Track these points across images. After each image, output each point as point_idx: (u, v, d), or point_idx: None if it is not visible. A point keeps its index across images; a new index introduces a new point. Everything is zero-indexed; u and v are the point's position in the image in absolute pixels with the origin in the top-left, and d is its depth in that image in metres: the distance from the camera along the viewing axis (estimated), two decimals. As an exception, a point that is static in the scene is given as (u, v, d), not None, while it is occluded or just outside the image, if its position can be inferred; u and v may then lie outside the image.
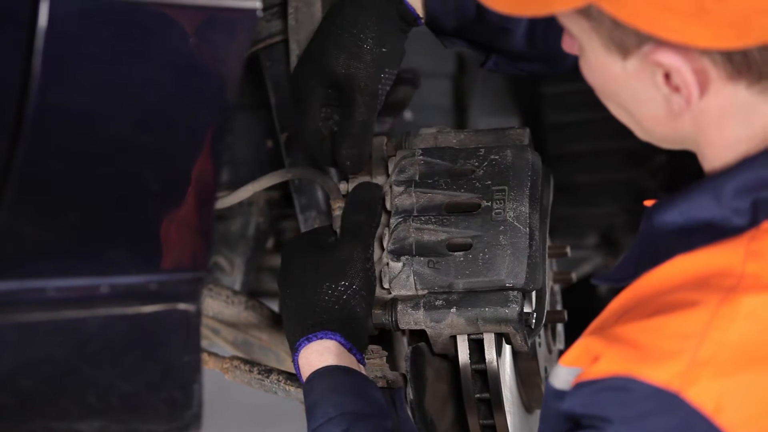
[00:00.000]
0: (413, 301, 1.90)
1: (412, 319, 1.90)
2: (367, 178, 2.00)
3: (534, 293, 1.95)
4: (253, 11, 1.62)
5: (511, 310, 1.87)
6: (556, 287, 2.25)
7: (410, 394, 1.93)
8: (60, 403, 1.70)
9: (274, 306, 2.35)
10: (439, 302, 1.89)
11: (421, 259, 1.89)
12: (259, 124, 2.58)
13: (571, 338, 2.08)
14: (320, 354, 1.83)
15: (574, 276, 2.23)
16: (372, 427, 1.75)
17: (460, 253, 1.89)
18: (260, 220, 2.77)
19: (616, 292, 1.55)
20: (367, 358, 1.91)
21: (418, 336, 1.95)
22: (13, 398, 1.68)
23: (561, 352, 2.23)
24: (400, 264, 1.90)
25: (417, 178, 1.95)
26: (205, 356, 2.05)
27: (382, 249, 1.92)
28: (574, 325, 1.98)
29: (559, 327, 2.27)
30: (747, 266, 1.44)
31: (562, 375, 1.52)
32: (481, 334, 1.90)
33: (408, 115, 2.91)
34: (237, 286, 2.74)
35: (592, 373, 1.46)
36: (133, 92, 1.61)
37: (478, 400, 1.94)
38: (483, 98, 2.97)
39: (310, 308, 1.85)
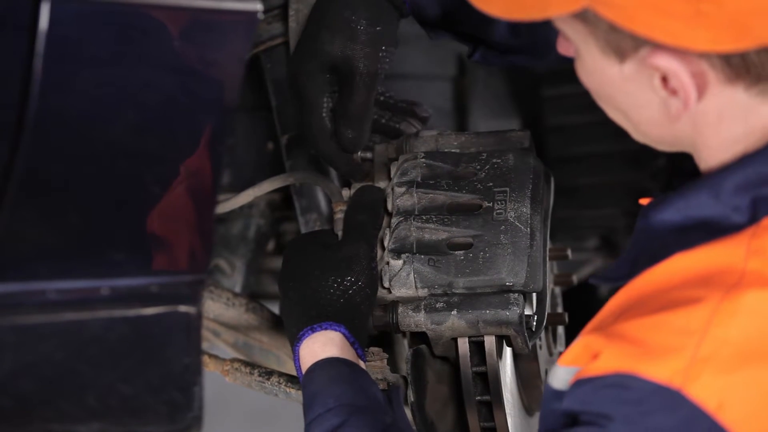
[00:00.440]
0: (414, 303, 1.90)
1: (412, 321, 1.90)
2: (369, 183, 2.01)
3: (535, 295, 1.95)
4: (253, 13, 1.62)
5: (512, 313, 1.87)
6: (557, 289, 2.25)
7: (411, 396, 1.93)
8: (60, 406, 1.70)
9: (275, 308, 2.35)
10: (439, 304, 1.89)
11: (422, 257, 1.89)
12: (259, 126, 2.58)
13: (571, 340, 2.08)
14: (324, 345, 1.83)
15: (574, 278, 2.23)
16: (370, 420, 1.75)
17: (461, 251, 1.89)
18: (261, 223, 2.77)
19: (617, 290, 1.55)
20: (368, 360, 1.91)
21: (418, 338, 1.95)
22: (13, 401, 1.68)
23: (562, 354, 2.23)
24: (400, 262, 1.90)
25: (419, 179, 1.95)
26: (205, 358, 2.05)
27: (383, 249, 1.93)
28: (575, 328, 1.97)
29: (560, 329, 2.26)
30: (749, 263, 1.44)
31: (561, 375, 1.52)
32: (482, 336, 1.90)
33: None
34: (237, 288, 2.74)
35: (592, 370, 1.45)
36: (134, 95, 1.61)
37: (478, 402, 1.94)
38: (483, 101, 2.97)
39: (315, 300, 1.85)
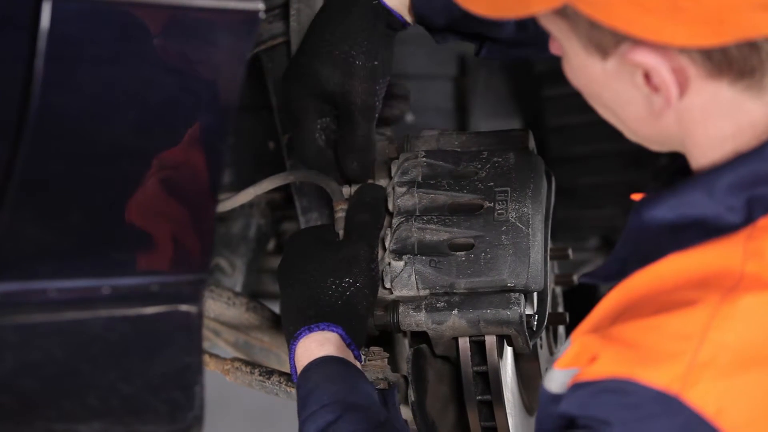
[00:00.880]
0: (415, 302, 1.90)
1: (413, 320, 1.90)
2: (370, 181, 2.01)
3: (536, 295, 1.95)
4: (255, 13, 1.62)
5: (513, 312, 1.87)
6: (558, 289, 2.25)
7: (412, 395, 1.93)
8: (61, 405, 1.70)
9: (276, 308, 2.35)
10: (440, 304, 1.89)
11: (423, 258, 1.89)
12: (260, 126, 2.58)
13: (572, 340, 2.07)
14: (320, 344, 1.83)
15: (575, 278, 2.23)
16: (364, 417, 1.75)
17: (462, 252, 1.89)
18: (261, 222, 2.77)
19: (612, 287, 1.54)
20: (369, 360, 1.91)
21: (419, 338, 1.95)
22: (15, 400, 1.68)
23: (562, 354, 2.23)
24: (401, 263, 1.90)
25: (420, 179, 1.95)
26: (206, 357, 2.05)
27: (384, 249, 1.93)
28: (576, 327, 1.97)
29: (561, 329, 2.27)
30: (747, 266, 1.42)
31: (558, 378, 1.50)
32: (483, 336, 1.90)
33: (409, 117, 2.91)
34: (238, 288, 2.74)
35: (589, 374, 1.44)
36: (134, 94, 1.61)
37: (479, 401, 1.94)
38: (484, 100, 2.97)
39: (314, 300, 1.85)
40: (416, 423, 1.93)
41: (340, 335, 1.84)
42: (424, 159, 1.97)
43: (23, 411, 1.69)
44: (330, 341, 1.83)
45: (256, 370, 2.03)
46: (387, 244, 1.92)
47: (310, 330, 1.83)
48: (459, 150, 2.00)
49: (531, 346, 1.94)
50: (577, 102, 1.97)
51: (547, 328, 2.12)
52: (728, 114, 1.47)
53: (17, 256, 1.62)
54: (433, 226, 1.91)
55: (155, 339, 1.73)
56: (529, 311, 1.92)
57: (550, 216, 1.98)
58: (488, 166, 1.95)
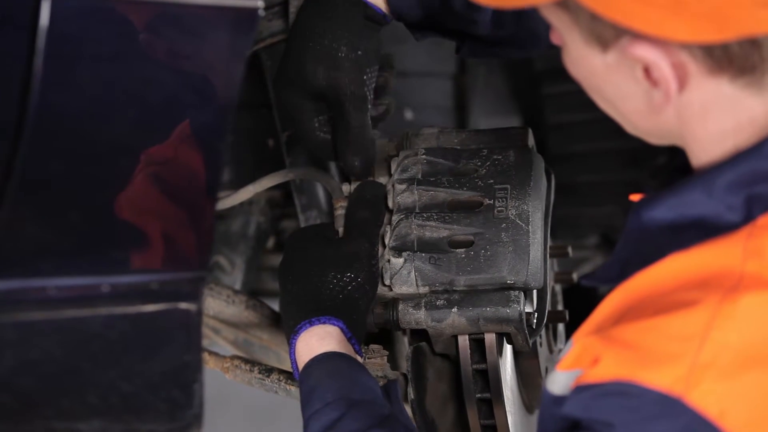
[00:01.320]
0: (414, 300, 1.90)
1: (413, 318, 1.90)
2: (369, 179, 2.01)
3: (535, 293, 1.95)
4: (254, 10, 1.62)
5: (513, 310, 1.87)
6: (558, 287, 2.25)
7: (411, 393, 1.93)
8: (60, 403, 1.70)
9: (275, 305, 2.35)
10: (440, 302, 1.89)
11: (423, 255, 1.89)
12: (260, 123, 2.58)
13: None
14: (321, 338, 1.82)
15: (575, 276, 2.23)
16: (368, 413, 1.75)
17: (462, 249, 1.89)
18: (261, 220, 2.77)
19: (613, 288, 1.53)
20: (368, 358, 1.91)
21: (419, 336, 1.95)
22: (14, 398, 1.67)
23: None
24: (401, 260, 1.90)
25: (419, 176, 1.95)
26: (205, 355, 2.05)
27: (384, 246, 1.93)
28: (575, 325, 1.97)
29: (560, 327, 2.27)
30: (747, 265, 1.41)
31: (561, 380, 1.49)
32: (483, 333, 1.90)
33: (408, 114, 2.91)
34: (237, 286, 2.74)
35: (592, 377, 1.43)
36: (134, 92, 1.61)
37: (479, 400, 1.94)
38: (484, 98, 2.97)
39: (315, 294, 1.86)
40: (415, 421, 1.93)
41: (341, 329, 1.84)
42: (423, 156, 1.97)
43: (23, 409, 1.68)
44: (331, 335, 1.83)
45: (256, 368, 2.03)
46: (387, 241, 1.92)
47: (311, 324, 1.83)
48: (459, 147, 1.99)
49: (531, 344, 1.94)
50: (576, 100, 1.97)
51: (546, 326, 2.12)
52: (728, 110, 1.46)
53: (17, 254, 1.62)
54: (432, 223, 1.91)
55: (155, 337, 1.73)
56: (528, 309, 1.91)
57: (550, 213, 1.98)
58: (488, 163, 1.95)
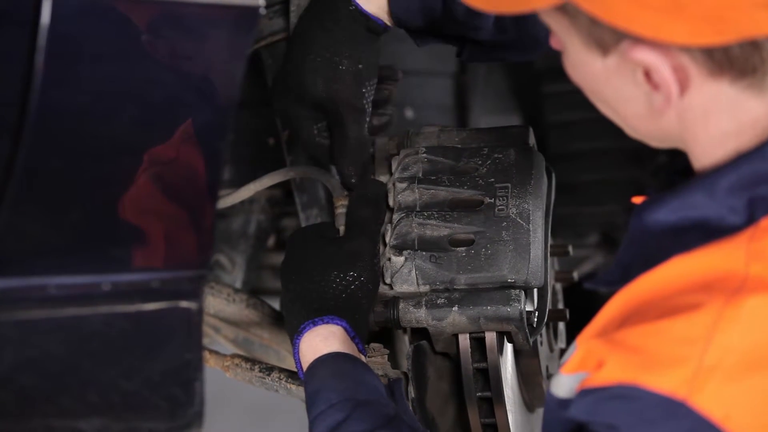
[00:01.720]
0: (415, 299, 1.90)
1: (413, 317, 1.90)
2: (370, 177, 2.01)
3: (536, 291, 1.95)
4: (255, 9, 1.62)
5: (513, 309, 1.87)
6: (558, 286, 2.25)
7: (412, 392, 1.93)
8: (61, 401, 1.70)
9: (275, 304, 2.35)
10: (441, 300, 1.89)
11: (424, 254, 1.89)
12: (260, 122, 2.58)
13: (572, 337, 2.07)
14: (325, 338, 1.83)
15: (575, 275, 2.23)
16: (373, 413, 1.75)
17: (463, 248, 1.89)
18: (261, 218, 2.77)
19: (616, 291, 1.53)
20: (369, 356, 1.91)
21: (419, 334, 1.95)
22: (14, 396, 1.67)
23: (563, 351, 2.23)
24: (402, 258, 1.90)
25: (420, 175, 1.95)
26: (206, 354, 2.05)
27: (385, 245, 1.93)
28: (576, 324, 1.98)
29: (561, 326, 2.27)
30: (750, 268, 1.41)
31: (566, 383, 1.49)
32: (483, 332, 1.90)
33: (409, 113, 2.91)
34: (238, 284, 2.74)
35: (597, 380, 1.43)
36: (135, 91, 1.61)
37: (479, 398, 1.94)
38: (484, 97, 2.97)
39: (317, 293, 1.86)
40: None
41: (345, 328, 1.84)
42: (424, 155, 1.97)
43: (23, 407, 1.68)
44: (334, 335, 1.83)
45: (256, 367, 2.03)
46: (387, 240, 1.92)
47: (315, 324, 1.83)
48: (459, 146, 2.00)
49: (531, 343, 1.94)
50: (577, 99, 1.97)
51: (547, 324, 2.12)
52: (729, 113, 1.46)
53: (17, 253, 1.61)
54: (433, 222, 1.91)
55: (155, 335, 1.73)
56: (529, 308, 1.92)
57: (551, 212, 1.98)
58: (489, 162, 1.95)
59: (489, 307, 1.87)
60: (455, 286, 1.89)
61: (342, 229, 1.96)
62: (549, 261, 1.96)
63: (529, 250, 1.87)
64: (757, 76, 1.43)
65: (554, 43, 1.54)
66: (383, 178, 2.00)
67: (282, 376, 2.01)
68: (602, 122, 1.89)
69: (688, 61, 1.42)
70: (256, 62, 2.29)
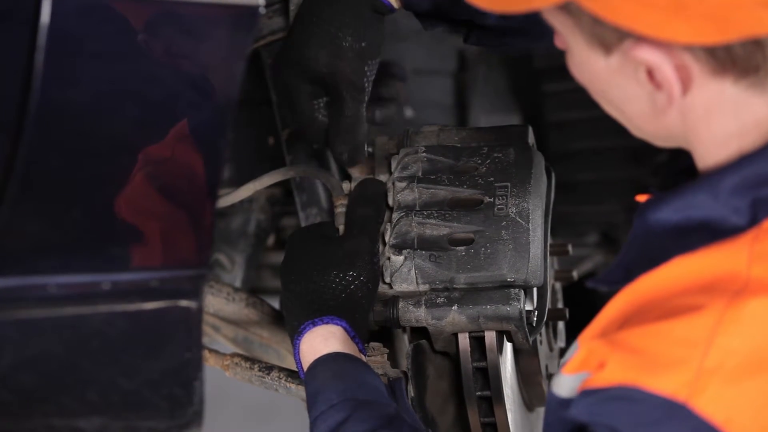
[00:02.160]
0: (415, 298, 1.90)
1: (413, 316, 1.90)
2: (370, 176, 2.01)
3: (536, 291, 1.95)
4: (255, 8, 1.62)
5: (513, 308, 1.87)
6: (558, 285, 2.25)
7: (411, 391, 1.93)
8: (61, 400, 1.70)
9: (275, 303, 2.35)
10: (440, 300, 1.89)
11: (423, 253, 1.89)
12: (260, 121, 2.58)
13: (572, 336, 2.07)
14: (325, 339, 1.83)
15: (575, 274, 2.23)
16: (374, 413, 1.75)
17: (462, 247, 1.89)
18: (261, 217, 2.77)
19: (617, 290, 1.53)
20: (369, 356, 1.91)
21: (419, 333, 1.95)
22: (14, 395, 1.68)
23: (562, 350, 2.23)
24: (401, 257, 1.90)
25: (420, 174, 1.95)
26: (205, 353, 2.05)
27: (384, 244, 1.93)
28: (575, 323, 1.98)
29: (561, 325, 2.27)
30: (752, 269, 1.40)
31: (567, 383, 1.49)
32: (483, 331, 1.90)
33: (409, 112, 2.91)
34: (238, 283, 2.74)
35: (598, 381, 1.43)
36: (135, 89, 1.61)
37: (479, 397, 1.94)
38: (484, 96, 2.97)
39: (317, 294, 1.86)
40: (416, 419, 1.93)
41: (345, 328, 1.84)
42: (424, 154, 1.97)
43: (23, 406, 1.69)
44: (335, 335, 1.83)
45: (256, 366, 2.03)
46: (387, 239, 1.92)
47: (314, 324, 1.83)
48: (459, 145, 2.00)
49: (531, 342, 1.94)
50: (577, 98, 1.97)
51: (546, 323, 2.12)
52: (732, 112, 1.45)
53: (17, 251, 1.62)
54: (433, 221, 1.91)
55: (155, 334, 1.73)
56: (528, 307, 1.92)
57: (550, 211, 1.98)
58: (488, 161, 1.95)
59: (488, 307, 1.87)
60: (455, 286, 1.89)
61: (341, 228, 1.95)
62: (548, 260, 1.97)
63: (529, 249, 1.87)
64: (760, 75, 1.43)
65: (558, 43, 1.54)
66: (383, 177, 2.00)
67: (281, 375, 2.01)
68: (602, 121, 1.89)
69: (691, 60, 1.42)
70: (256, 61, 2.29)
